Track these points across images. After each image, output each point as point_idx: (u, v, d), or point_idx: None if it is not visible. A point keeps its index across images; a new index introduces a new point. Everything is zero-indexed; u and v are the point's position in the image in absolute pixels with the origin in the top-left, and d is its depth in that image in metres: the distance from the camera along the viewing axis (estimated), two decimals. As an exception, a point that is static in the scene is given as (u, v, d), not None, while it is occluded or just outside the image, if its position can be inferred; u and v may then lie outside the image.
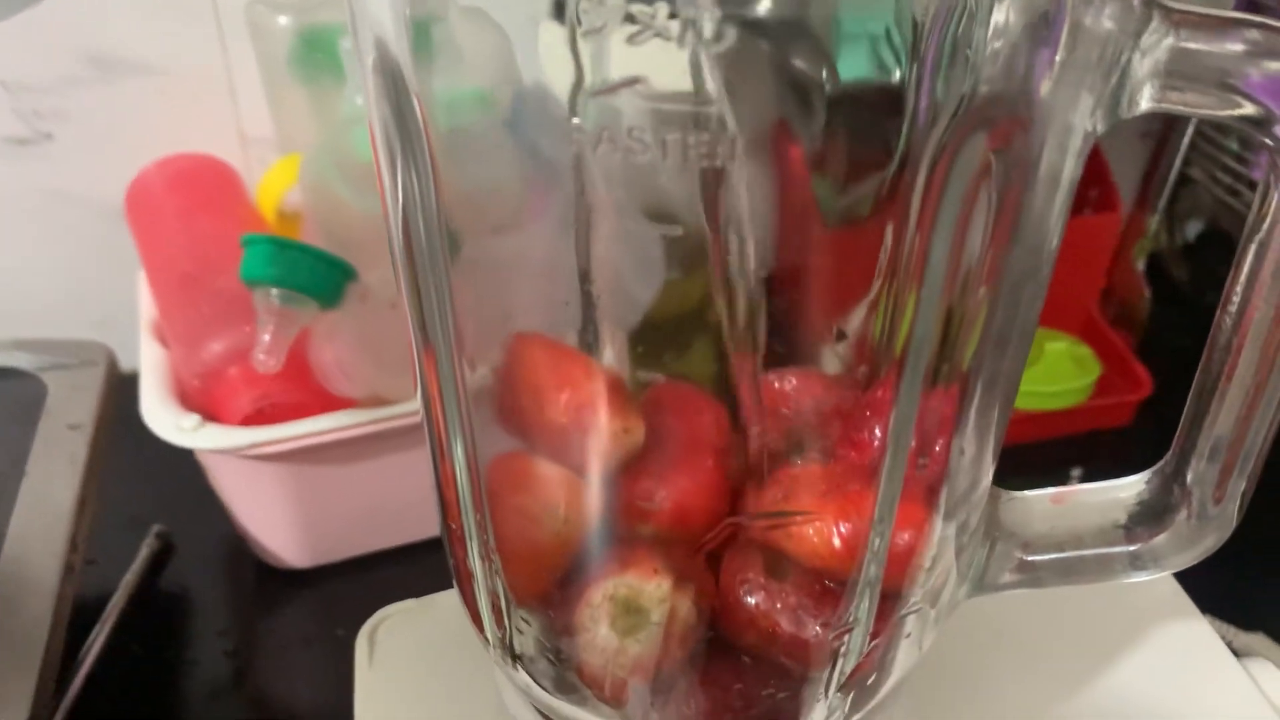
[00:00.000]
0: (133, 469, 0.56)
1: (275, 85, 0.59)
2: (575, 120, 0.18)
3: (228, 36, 0.60)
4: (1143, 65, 0.18)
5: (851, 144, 0.28)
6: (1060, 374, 0.63)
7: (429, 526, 0.56)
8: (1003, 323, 0.20)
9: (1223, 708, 0.34)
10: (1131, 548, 0.25)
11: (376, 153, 0.22)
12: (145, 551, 0.55)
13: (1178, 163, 0.66)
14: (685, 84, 0.17)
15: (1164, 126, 0.67)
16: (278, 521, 0.53)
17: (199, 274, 0.52)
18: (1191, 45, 0.18)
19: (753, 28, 0.24)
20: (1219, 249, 0.71)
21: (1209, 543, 0.24)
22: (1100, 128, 0.19)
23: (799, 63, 0.30)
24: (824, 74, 0.30)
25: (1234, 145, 0.65)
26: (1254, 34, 0.18)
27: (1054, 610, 0.35)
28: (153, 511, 0.58)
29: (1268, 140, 0.19)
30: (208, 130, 0.62)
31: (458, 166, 0.24)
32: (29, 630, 0.42)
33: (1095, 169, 0.64)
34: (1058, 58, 0.17)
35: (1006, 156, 0.17)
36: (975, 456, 0.22)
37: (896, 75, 0.27)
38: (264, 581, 0.56)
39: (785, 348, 0.25)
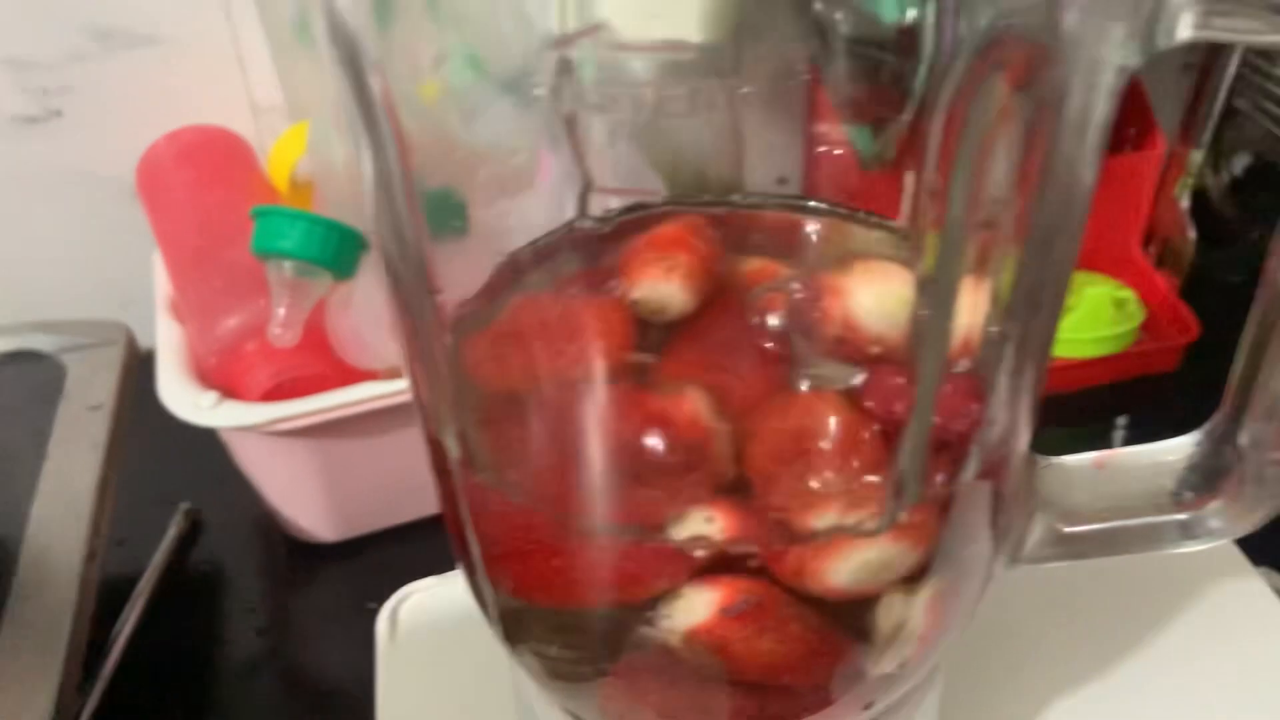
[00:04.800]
0: (157, 447, 0.56)
1: (283, 52, 0.57)
2: (534, 78, 0.16)
3: (233, 3, 0.58)
4: (1183, -9, 0.16)
5: (871, 86, 0.27)
6: (1101, 319, 0.60)
7: (456, 497, 0.55)
8: (1034, 278, 0.18)
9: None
10: (1182, 516, 0.23)
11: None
12: (173, 530, 0.55)
13: (1223, 94, 0.63)
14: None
15: (1206, 57, 0.64)
16: (304, 496, 0.52)
17: (211, 248, 0.51)
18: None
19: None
20: (1268, 184, 0.68)
21: (1268, 508, 0.23)
22: (1134, 60, 0.17)
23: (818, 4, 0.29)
24: (839, 15, 0.28)
25: (1282, 73, 0.62)
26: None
27: (1098, 569, 0.33)
28: (180, 489, 0.57)
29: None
30: (218, 101, 0.61)
31: (444, 131, 0.23)
32: (53, 617, 0.42)
33: (1135, 104, 0.61)
34: (1084, -16, 0.15)
35: (1030, 95, 0.16)
36: (1008, 419, 0.20)
37: (913, 13, 0.25)
38: (293, 556, 0.55)
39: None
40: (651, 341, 0.23)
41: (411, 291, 0.20)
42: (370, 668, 0.49)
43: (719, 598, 0.20)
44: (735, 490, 0.20)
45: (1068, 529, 0.24)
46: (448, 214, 0.44)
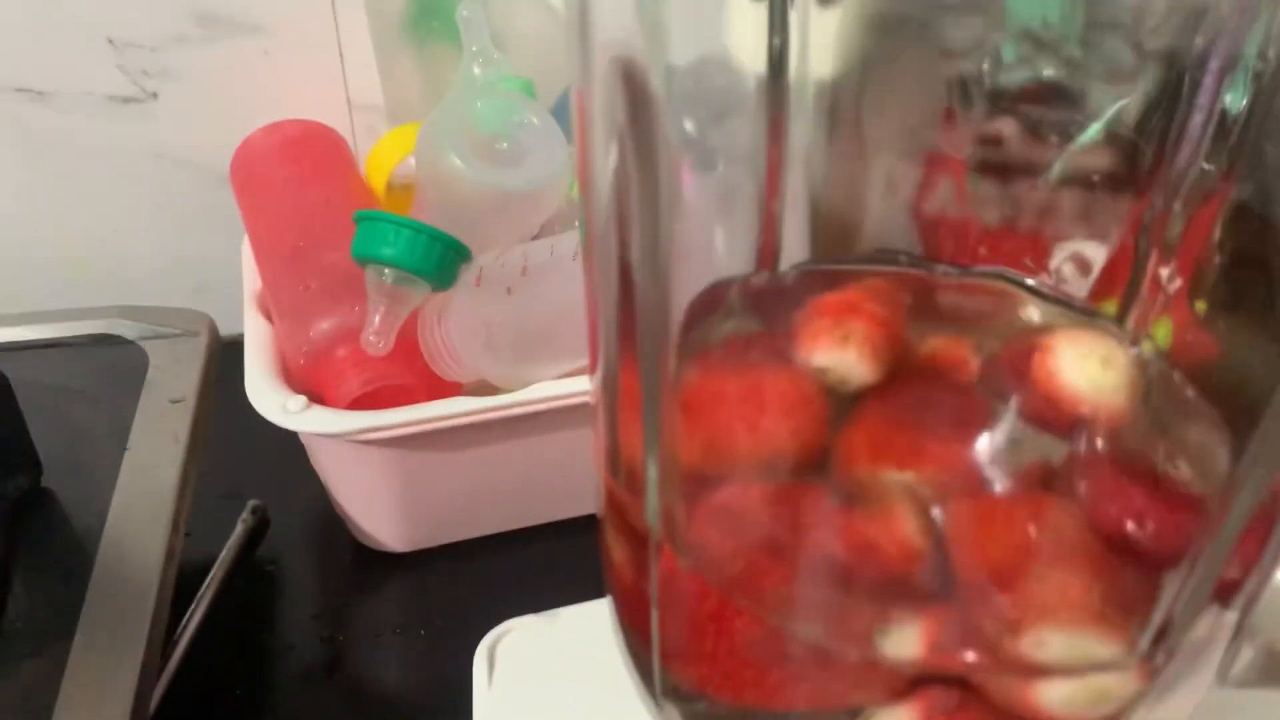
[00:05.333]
0: (227, 439, 0.55)
1: (387, 50, 0.57)
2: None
3: (339, -2, 0.58)
4: None
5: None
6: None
7: (528, 515, 0.54)
8: None
9: None
10: None
11: (583, 114, 0.19)
12: (241, 526, 0.54)
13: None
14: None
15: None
16: (379, 505, 0.52)
17: (307, 247, 0.51)
18: None
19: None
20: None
21: None
22: None
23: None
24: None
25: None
26: None
27: None
28: (248, 484, 0.57)
29: None
30: (313, 95, 0.60)
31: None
32: (131, 615, 0.41)
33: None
34: None
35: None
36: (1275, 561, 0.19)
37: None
38: (360, 563, 0.54)
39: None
40: (835, 412, 0.22)
41: (650, 331, 0.18)
42: (435, 685, 0.49)
43: (918, 709, 0.19)
44: (946, 597, 0.18)
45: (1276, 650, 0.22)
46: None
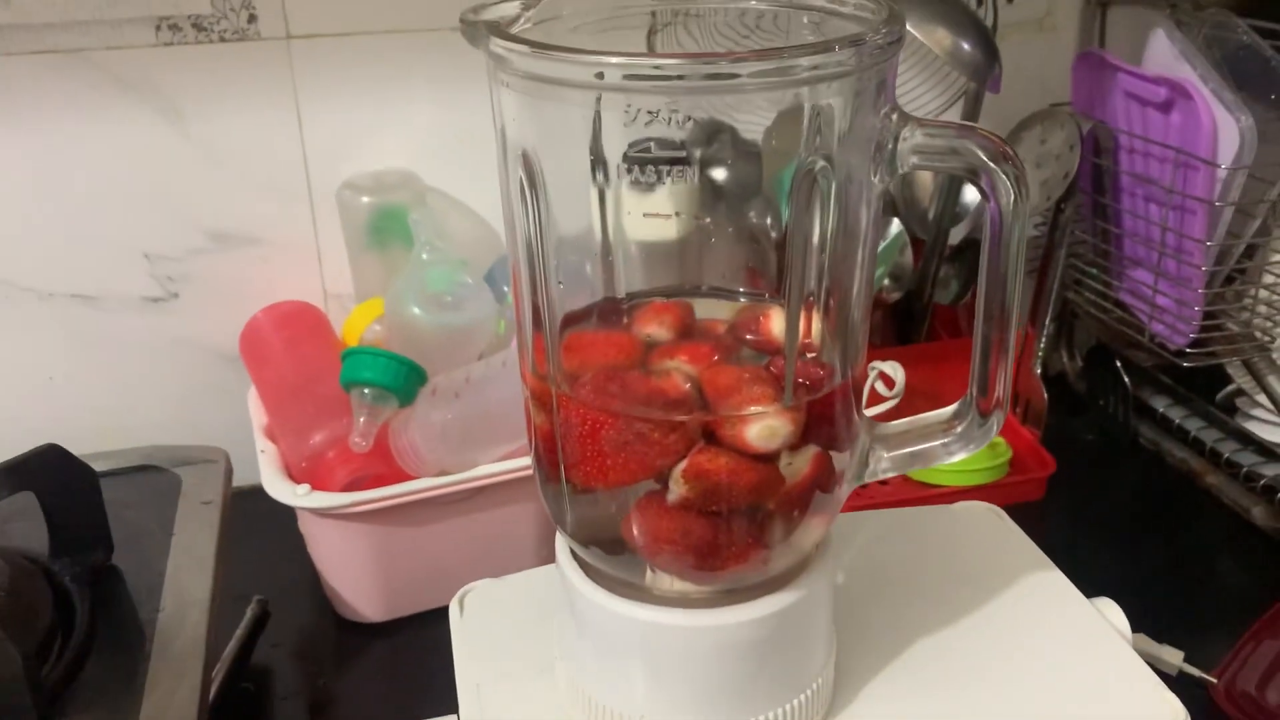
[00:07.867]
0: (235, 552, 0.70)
1: (355, 250, 0.77)
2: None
3: (318, 213, 0.78)
4: (905, 145, 0.35)
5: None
6: (979, 456, 0.78)
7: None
8: (844, 310, 0.37)
9: (1066, 628, 0.48)
10: (944, 441, 0.41)
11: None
12: (249, 614, 0.69)
13: (1055, 287, 0.84)
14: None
15: (1041, 267, 0.85)
16: (361, 578, 0.67)
17: (305, 385, 0.69)
18: (933, 132, 0.35)
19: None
20: (1106, 363, 0.88)
21: (978, 440, 0.41)
22: (887, 182, 0.35)
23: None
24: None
25: (1094, 271, 0.84)
26: (968, 130, 0.36)
27: (923, 555, 0.51)
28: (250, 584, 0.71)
29: (980, 184, 0.35)
30: (297, 288, 0.79)
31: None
32: (189, 647, 0.55)
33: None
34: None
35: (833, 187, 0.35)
36: (832, 377, 0.38)
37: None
38: (344, 634, 0.69)
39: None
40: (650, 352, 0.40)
41: (547, 312, 0.37)
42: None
43: (689, 458, 0.36)
44: (706, 404, 0.37)
45: (889, 454, 0.41)
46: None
